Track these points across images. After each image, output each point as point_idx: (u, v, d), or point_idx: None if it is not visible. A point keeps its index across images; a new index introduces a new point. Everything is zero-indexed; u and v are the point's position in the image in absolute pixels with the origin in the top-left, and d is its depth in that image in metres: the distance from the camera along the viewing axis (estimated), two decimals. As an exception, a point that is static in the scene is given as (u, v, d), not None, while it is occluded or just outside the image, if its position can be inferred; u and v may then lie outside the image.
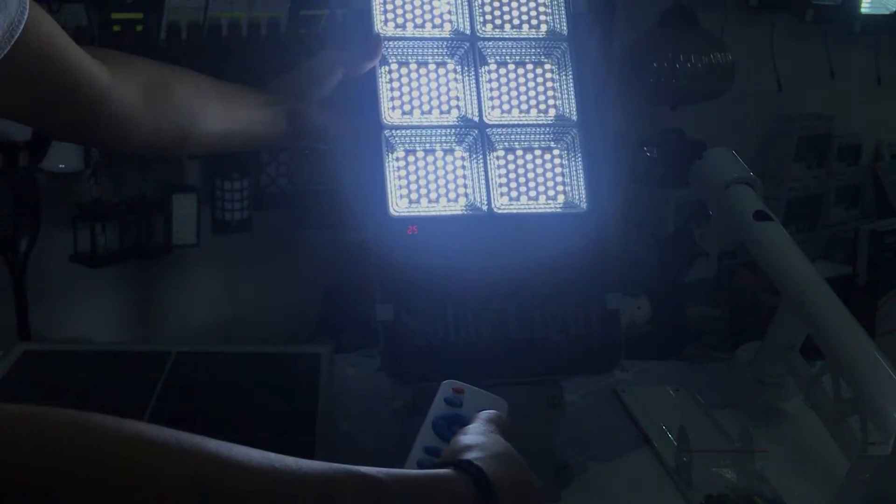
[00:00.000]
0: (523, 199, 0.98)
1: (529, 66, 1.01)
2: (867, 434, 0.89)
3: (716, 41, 2.61)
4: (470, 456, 0.65)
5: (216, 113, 0.99)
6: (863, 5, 3.03)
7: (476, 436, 0.68)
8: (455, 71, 1.00)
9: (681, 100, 2.62)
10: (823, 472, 0.99)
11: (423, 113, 0.98)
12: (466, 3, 1.01)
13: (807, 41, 3.02)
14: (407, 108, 0.98)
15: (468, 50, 1.00)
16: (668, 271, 2.72)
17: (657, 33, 2.60)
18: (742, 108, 2.86)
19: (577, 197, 0.98)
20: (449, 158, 0.97)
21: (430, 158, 0.97)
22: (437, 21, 1.00)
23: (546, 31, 1.02)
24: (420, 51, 0.99)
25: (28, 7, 0.76)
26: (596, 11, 2.40)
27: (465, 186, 0.97)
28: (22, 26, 0.75)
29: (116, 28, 1.99)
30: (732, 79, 2.60)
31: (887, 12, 3.07)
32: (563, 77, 1.01)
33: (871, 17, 3.05)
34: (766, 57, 2.89)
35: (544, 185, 0.99)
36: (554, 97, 1.01)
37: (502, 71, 1.01)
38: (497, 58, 1.01)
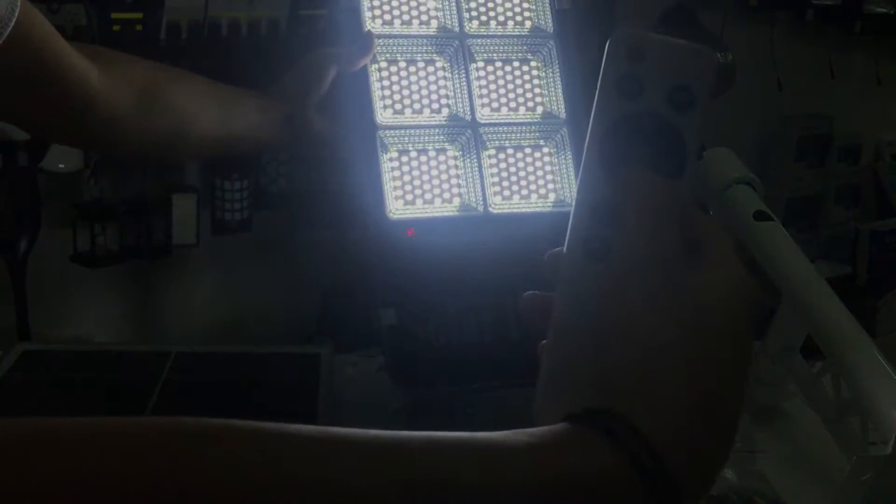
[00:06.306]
0: (515, 198, 0.98)
1: (516, 64, 1.01)
2: (867, 434, 0.89)
3: (716, 41, 2.60)
4: (630, 403, 0.32)
5: (212, 118, 0.98)
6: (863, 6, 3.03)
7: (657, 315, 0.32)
8: (444, 69, 0.99)
9: (681, 100, 2.61)
10: (823, 472, 0.99)
11: (413, 112, 0.97)
12: (453, 0, 1.00)
13: (807, 41, 3.02)
14: (398, 107, 0.97)
15: (457, 48, 0.99)
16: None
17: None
18: (742, 108, 2.85)
19: (567, 195, 0.98)
20: (441, 158, 0.97)
21: (422, 158, 0.96)
22: (425, 17, 1.00)
23: (530, 28, 1.02)
24: (408, 48, 0.99)
25: (19, 4, 0.76)
26: (595, 11, 2.40)
27: (459, 186, 0.96)
28: (12, 23, 0.75)
29: (116, 28, 1.98)
30: (733, 79, 2.59)
31: (888, 12, 3.07)
32: (550, 74, 1.01)
33: (871, 17, 3.05)
34: (766, 57, 2.88)
35: (535, 183, 0.98)
36: (541, 94, 1.00)
37: (490, 69, 1.00)
38: (485, 55, 1.00)
